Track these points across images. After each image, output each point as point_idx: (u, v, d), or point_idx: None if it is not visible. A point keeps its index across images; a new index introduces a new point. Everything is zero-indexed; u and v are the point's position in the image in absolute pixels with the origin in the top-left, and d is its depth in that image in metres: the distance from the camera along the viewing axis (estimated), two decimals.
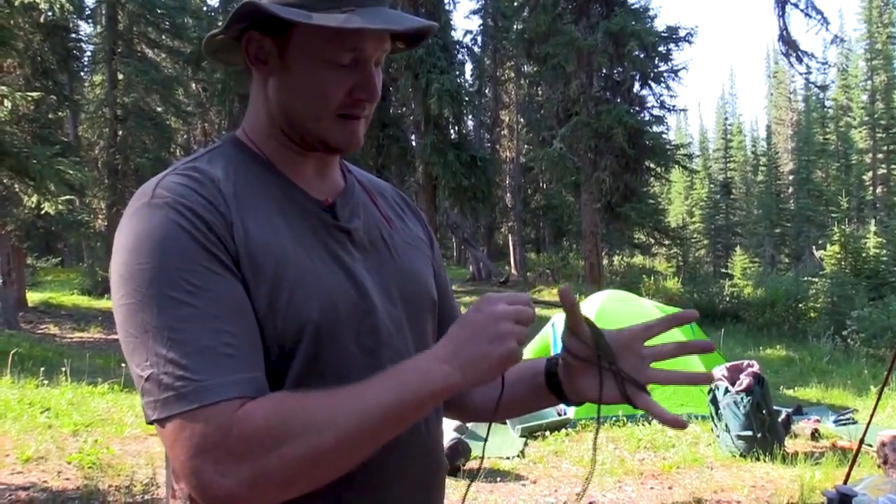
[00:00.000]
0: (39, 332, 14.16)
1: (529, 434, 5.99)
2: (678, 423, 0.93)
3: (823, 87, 27.21)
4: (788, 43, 12.36)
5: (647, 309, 7.24)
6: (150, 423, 0.83)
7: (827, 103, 43.97)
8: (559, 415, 6.37)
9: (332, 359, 0.92)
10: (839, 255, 17.34)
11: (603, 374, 0.96)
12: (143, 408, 0.83)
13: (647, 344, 0.99)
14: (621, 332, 0.99)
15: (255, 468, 0.78)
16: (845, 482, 3.52)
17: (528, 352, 6.76)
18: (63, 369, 7.65)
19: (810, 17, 12.01)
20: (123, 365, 8.17)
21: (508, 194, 31.45)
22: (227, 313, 0.84)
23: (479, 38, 29.58)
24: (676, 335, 6.72)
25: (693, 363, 6.54)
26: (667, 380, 0.98)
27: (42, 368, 7.81)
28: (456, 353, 0.85)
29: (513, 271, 30.05)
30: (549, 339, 7.08)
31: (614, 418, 6.21)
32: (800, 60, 12.70)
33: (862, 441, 3.83)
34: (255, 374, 0.84)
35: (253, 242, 0.90)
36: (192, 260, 0.84)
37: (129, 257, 0.85)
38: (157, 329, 0.81)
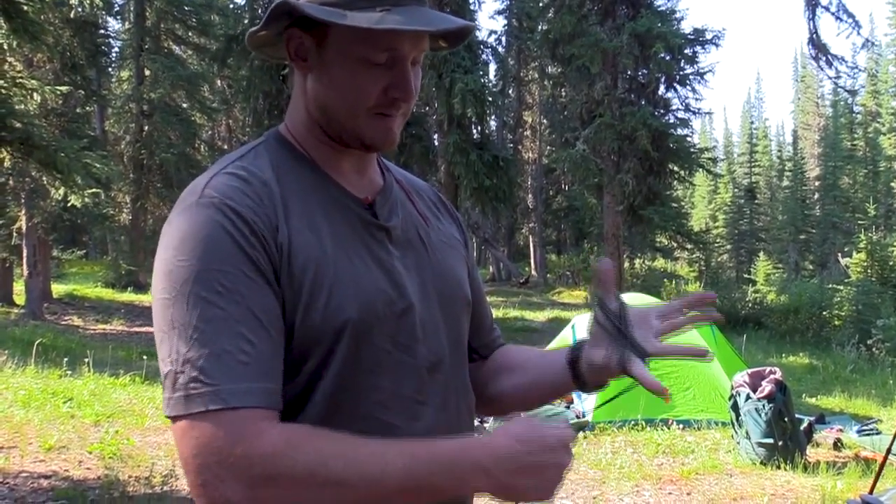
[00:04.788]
0: (63, 323, 14.37)
1: None
2: (661, 392, 0.94)
3: (853, 92, 26.76)
4: (818, 46, 12.17)
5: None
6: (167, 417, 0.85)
7: (855, 109, 43.31)
8: (577, 417, 6.34)
9: (369, 356, 0.93)
10: (865, 263, 17.09)
11: (614, 343, 1.00)
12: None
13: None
14: (640, 308, 1.04)
15: (253, 491, 0.79)
16: (870, 493, 3.47)
17: None
18: (86, 360, 7.76)
19: (841, 20, 11.82)
20: (145, 357, 8.30)
21: (530, 195, 31.36)
22: (251, 320, 0.85)
23: (504, 39, 29.53)
24: (695, 335, 6.68)
25: (714, 367, 6.49)
26: (667, 351, 1.01)
27: (65, 359, 7.92)
28: (509, 473, 0.85)
29: (533, 272, 29.98)
30: (568, 341, 7.04)
31: (633, 422, 6.16)
32: (829, 64, 12.50)
33: (889, 451, 3.77)
34: (267, 384, 0.84)
35: (295, 243, 0.91)
36: (229, 262, 0.86)
37: (171, 254, 0.86)
38: (183, 327, 0.83)
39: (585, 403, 6.54)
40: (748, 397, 5.31)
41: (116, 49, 23.14)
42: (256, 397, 0.82)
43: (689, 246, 21.38)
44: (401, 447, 0.84)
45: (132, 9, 20.92)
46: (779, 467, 5.11)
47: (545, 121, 30.33)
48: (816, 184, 41.12)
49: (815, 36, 12.16)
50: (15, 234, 14.78)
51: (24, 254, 14.73)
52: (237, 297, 0.84)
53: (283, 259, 0.89)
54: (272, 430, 0.81)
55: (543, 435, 0.87)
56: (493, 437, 0.87)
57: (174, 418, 0.82)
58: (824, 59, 12.49)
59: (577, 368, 1.07)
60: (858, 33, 12.24)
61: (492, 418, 5.94)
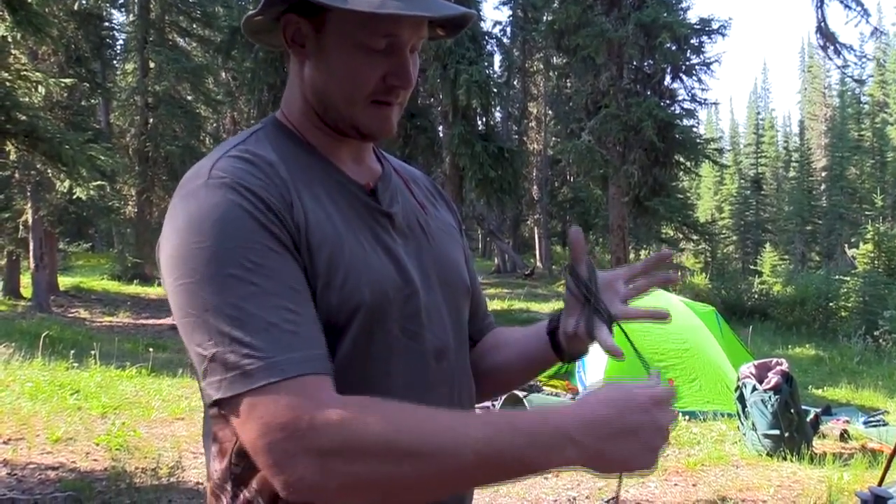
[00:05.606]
0: (70, 315, 14.44)
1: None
2: (615, 352, 0.97)
3: (861, 82, 26.57)
4: (826, 35, 12.05)
5: (673, 304, 7.16)
6: (213, 404, 0.82)
7: (863, 99, 43.06)
8: None
9: (378, 341, 0.92)
10: (872, 254, 17.05)
11: (585, 308, 1.03)
12: (205, 388, 0.82)
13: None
14: (608, 273, 1.07)
15: (325, 464, 0.76)
16: (879, 484, 3.45)
17: None
18: (92, 353, 7.78)
19: (850, 8, 11.69)
20: (151, 349, 8.32)
21: (535, 186, 31.31)
22: (287, 291, 0.83)
23: (509, 30, 29.40)
24: (701, 327, 6.67)
25: (720, 359, 6.48)
26: (630, 314, 1.04)
27: (72, 351, 7.94)
28: (599, 439, 0.79)
29: (538, 264, 29.97)
30: None
31: None
32: (838, 53, 12.37)
33: None
34: (320, 351, 0.83)
35: (311, 222, 0.90)
36: (252, 238, 0.84)
37: (185, 237, 0.84)
38: (219, 307, 0.80)
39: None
40: (754, 389, 5.29)
41: (121, 41, 23.15)
42: (313, 364, 0.80)
43: (694, 237, 21.31)
44: (477, 417, 0.81)
45: (136, 1, 20.90)
46: (785, 459, 5.10)
47: (550, 112, 30.23)
48: (823, 174, 40.94)
49: (823, 24, 12.04)
50: (21, 227, 14.84)
51: (31, 247, 14.80)
52: (267, 271, 0.82)
53: (301, 236, 0.88)
54: (337, 398, 0.78)
55: (633, 394, 0.81)
56: (578, 403, 0.82)
57: (231, 399, 0.78)
58: (832, 47, 12.37)
59: (555, 338, 1.10)
60: (867, 21, 12.12)
61: (495, 405, 5.96)
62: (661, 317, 1.05)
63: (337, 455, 0.76)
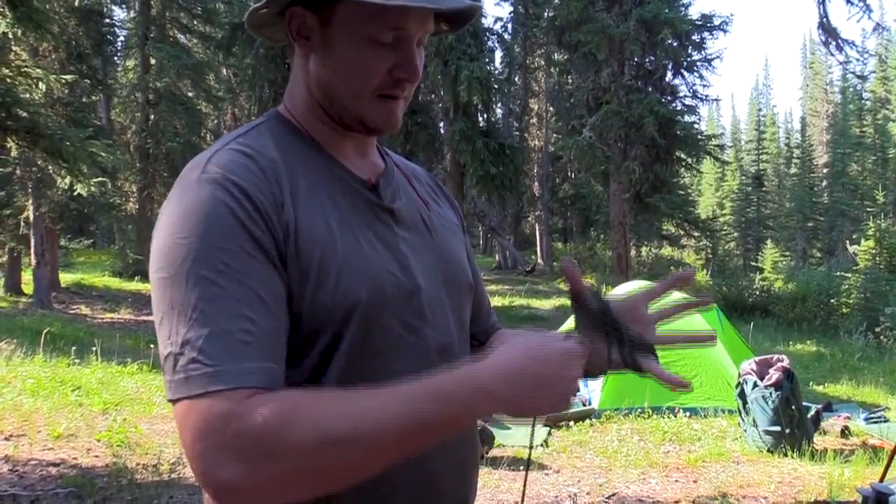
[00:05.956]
0: (71, 312, 14.44)
1: (553, 424, 5.97)
2: (683, 385, 0.93)
3: (863, 77, 26.54)
4: (829, 31, 12.01)
5: (674, 300, 7.15)
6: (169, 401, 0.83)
7: (864, 95, 42.97)
8: (583, 405, 6.34)
9: (378, 338, 0.92)
10: (873, 251, 17.02)
11: (611, 341, 0.95)
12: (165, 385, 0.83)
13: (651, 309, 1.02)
14: (625, 300, 1.01)
15: (252, 469, 0.76)
16: (881, 481, 3.45)
17: None
18: (94, 349, 7.79)
19: (852, 4, 11.64)
20: (152, 346, 8.30)
21: (536, 183, 31.26)
22: (252, 298, 0.82)
23: (510, 26, 29.30)
24: (702, 324, 6.66)
25: (721, 355, 6.47)
26: (670, 340, 0.99)
27: (73, 348, 7.95)
28: (517, 391, 0.82)
29: (539, 261, 29.94)
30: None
31: (640, 410, 6.16)
32: (840, 49, 12.32)
33: None
34: (269, 364, 0.82)
35: (302, 222, 0.89)
36: (232, 240, 0.83)
37: (171, 231, 0.84)
38: (182, 306, 0.80)
39: (591, 391, 6.53)
40: (755, 385, 5.30)
41: (122, 38, 23.13)
42: (257, 377, 0.80)
43: (695, 234, 21.30)
44: (397, 390, 0.81)
45: None
46: (786, 455, 5.10)
47: (551, 108, 30.19)
48: (825, 171, 40.88)
49: (825, 20, 12.00)
50: (22, 223, 14.84)
51: (32, 243, 14.80)
52: (239, 276, 0.82)
53: (288, 238, 0.87)
54: (263, 402, 0.78)
55: (548, 346, 0.86)
56: (497, 356, 0.84)
57: (175, 401, 0.80)
58: (834, 43, 12.33)
59: None
60: (869, 17, 12.09)
61: None
62: (707, 339, 1.01)
63: (265, 460, 0.76)
